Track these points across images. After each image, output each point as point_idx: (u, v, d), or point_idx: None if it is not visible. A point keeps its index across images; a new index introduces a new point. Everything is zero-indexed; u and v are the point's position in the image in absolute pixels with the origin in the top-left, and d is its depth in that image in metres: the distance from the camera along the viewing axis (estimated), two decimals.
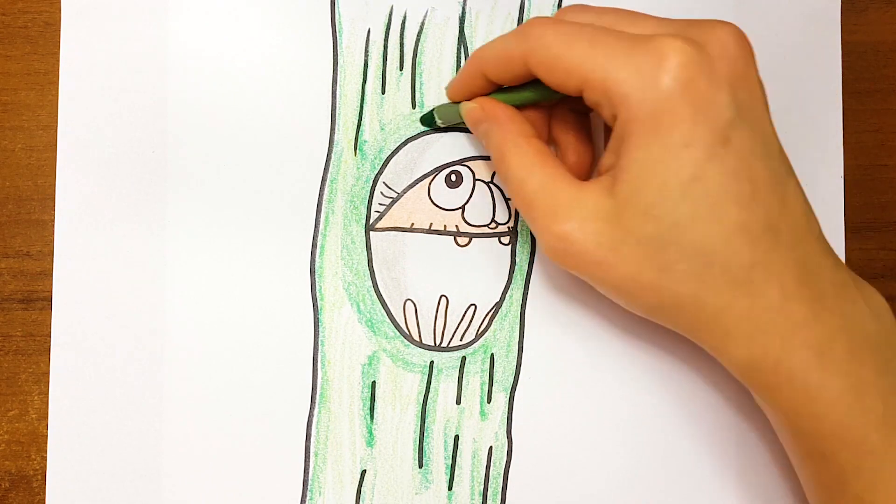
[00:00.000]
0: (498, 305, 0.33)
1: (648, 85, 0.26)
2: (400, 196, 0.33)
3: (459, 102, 0.32)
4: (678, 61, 0.25)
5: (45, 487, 0.32)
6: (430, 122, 0.33)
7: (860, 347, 0.26)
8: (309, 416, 0.33)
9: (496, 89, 0.31)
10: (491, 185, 0.33)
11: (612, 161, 0.28)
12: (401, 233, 0.33)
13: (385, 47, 0.34)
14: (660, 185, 0.26)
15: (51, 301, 0.33)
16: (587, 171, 0.32)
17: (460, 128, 0.34)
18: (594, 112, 0.32)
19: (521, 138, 0.30)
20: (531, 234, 0.33)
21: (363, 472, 0.33)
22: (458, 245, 0.33)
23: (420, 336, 0.33)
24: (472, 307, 0.33)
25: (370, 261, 0.33)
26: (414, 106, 0.34)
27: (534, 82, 0.30)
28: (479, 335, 0.33)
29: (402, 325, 0.33)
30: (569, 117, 0.32)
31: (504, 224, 0.33)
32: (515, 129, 0.30)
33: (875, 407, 0.26)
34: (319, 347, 0.33)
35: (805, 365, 0.26)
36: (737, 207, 0.26)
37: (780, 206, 0.26)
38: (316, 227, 0.33)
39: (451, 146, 0.34)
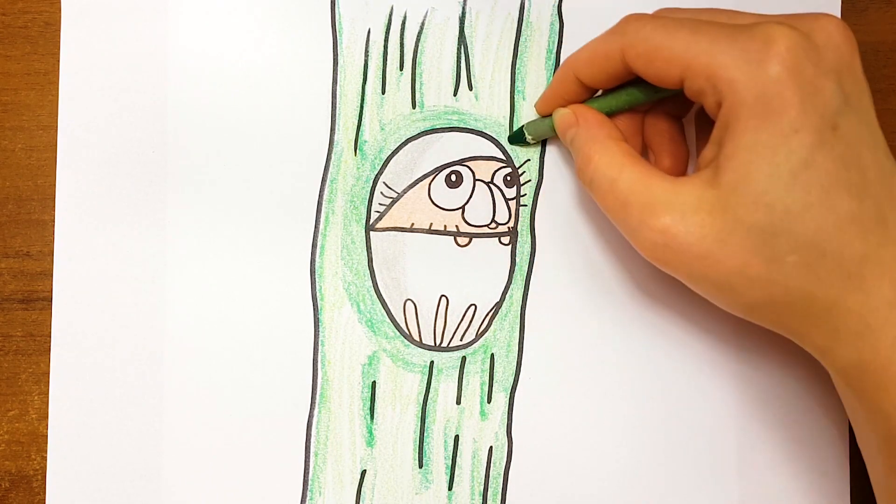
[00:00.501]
0: (498, 305, 0.33)
1: (755, 69, 0.25)
2: (400, 196, 0.33)
3: (550, 115, 0.32)
4: (786, 46, 0.25)
5: (45, 487, 0.32)
6: (519, 140, 0.33)
7: None
8: (309, 416, 0.33)
9: (590, 97, 0.31)
10: (491, 185, 0.33)
11: (713, 152, 0.27)
12: (401, 233, 0.33)
13: (385, 47, 0.34)
14: (770, 170, 0.25)
15: (51, 301, 0.33)
16: (682, 175, 0.32)
17: (461, 128, 0.33)
18: (688, 113, 0.32)
19: (609, 140, 0.29)
20: (531, 234, 0.33)
21: (363, 472, 0.33)
22: (458, 245, 0.33)
23: (420, 336, 0.33)
24: (472, 307, 0.33)
25: (370, 261, 0.33)
26: (414, 106, 0.34)
27: (626, 85, 0.30)
28: (479, 335, 0.33)
29: (402, 325, 0.33)
30: (662, 122, 0.32)
31: (504, 224, 0.33)
32: (604, 132, 0.29)
33: None
34: (319, 347, 0.33)
35: None
36: (848, 196, 0.25)
37: (889, 198, 0.26)
38: (316, 227, 0.33)
39: (451, 146, 0.34)
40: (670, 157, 0.31)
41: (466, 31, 0.34)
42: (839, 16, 0.34)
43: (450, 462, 0.33)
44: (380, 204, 0.33)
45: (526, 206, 0.34)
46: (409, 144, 0.33)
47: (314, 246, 0.33)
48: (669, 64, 0.27)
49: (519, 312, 0.33)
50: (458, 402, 0.33)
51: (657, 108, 0.32)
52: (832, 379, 0.28)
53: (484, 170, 0.34)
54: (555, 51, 0.34)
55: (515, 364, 0.33)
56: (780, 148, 0.25)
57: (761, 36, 0.25)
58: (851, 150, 0.25)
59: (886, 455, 0.26)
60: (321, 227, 0.33)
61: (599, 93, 0.32)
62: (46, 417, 0.33)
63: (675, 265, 0.27)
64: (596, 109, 0.31)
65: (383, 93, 0.34)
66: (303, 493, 0.32)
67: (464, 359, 0.33)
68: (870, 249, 0.25)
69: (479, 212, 0.33)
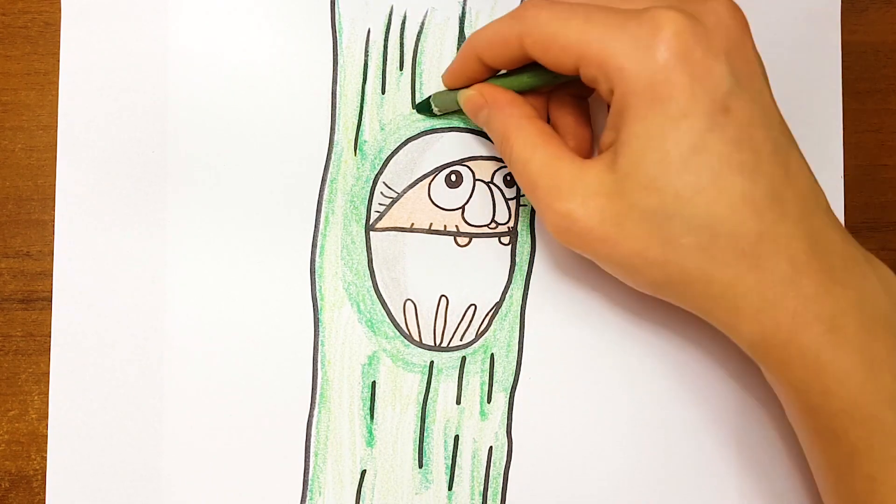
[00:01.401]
0: (498, 305, 0.33)
1: (644, 56, 0.25)
2: (400, 196, 0.33)
3: (457, 90, 0.32)
4: (673, 31, 0.25)
5: (45, 487, 0.32)
6: (426, 110, 0.33)
7: (873, 323, 0.26)
8: (309, 416, 0.33)
9: (493, 75, 0.31)
10: (491, 185, 0.33)
11: (612, 137, 0.27)
12: (401, 233, 0.33)
13: (385, 47, 0.34)
14: (660, 156, 0.26)
15: (51, 301, 0.33)
16: (587, 155, 0.32)
17: (461, 128, 0.33)
18: (593, 93, 0.32)
19: (523, 119, 0.29)
20: (531, 233, 0.33)
21: (363, 472, 0.33)
22: (458, 245, 0.33)
23: (420, 336, 0.33)
24: (472, 307, 0.33)
25: (370, 261, 0.33)
26: (414, 106, 0.34)
27: (531, 66, 0.30)
28: (479, 335, 0.33)
29: (402, 325, 0.33)
30: (567, 102, 0.32)
31: (504, 224, 0.33)
32: (518, 112, 0.30)
33: (888, 384, 0.25)
34: (319, 347, 0.33)
35: (816, 340, 0.25)
36: (740, 177, 0.25)
37: (784, 176, 0.26)
38: (316, 227, 0.33)
39: (451, 146, 0.34)
40: (574, 138, 0.31)
41: (466, 31, 0.34)
42: (839, 16, 0.34)
43: (450, 462, 0.33)
44: (380, 204, 0.33)
45: (526, 206, 0.34)
46: (409, 144, 0.34)
47: (314, 246, 0.33)
48: (564, 52, 0.27)
49: (519, 312, 0.33)
50: (458, 402, 0.33)
51: (562, 89, 0.32)
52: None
53: (484, 170, 0.34)
54: None
55: (515, 364, 0.33)
56: (669, 134, 0.25)
57: (649, 21, 0.26)
58: (744, 131, 0.26)
59: (806, 425, 0.27)
60: (321, 227, 0.33)
61: (503, 71, 0.31)
62: (46, 417, 0.33)
63: (581, 246, 0.28)
64: (503, 88, 0.31)
65: (383, 93, 0.34)
66: (303, 493, 0.32)
67: (464, 359, 0.33)
68: (765, 227, 0.26)
69: (479, 212, 0.33)
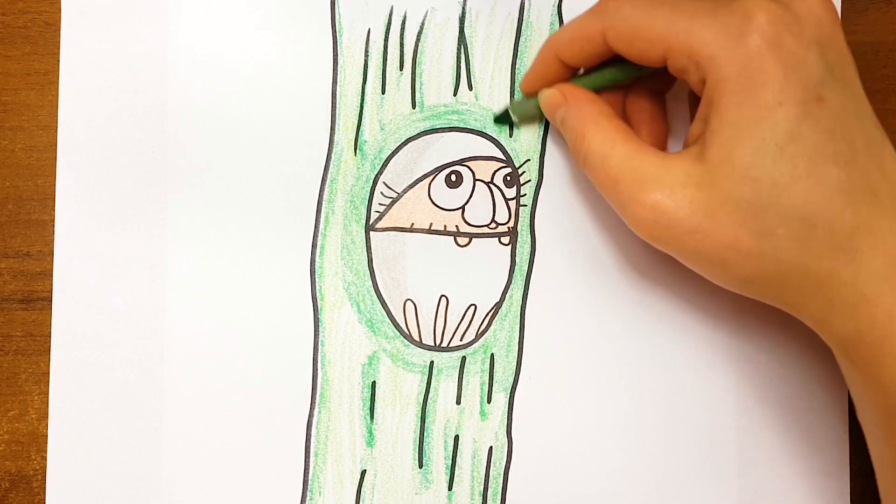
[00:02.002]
0: (498, 305, 0.33)
1: (736, 44, 0.25)
2: (400, 196, 0.33)
3: (533, 97, 0.32)
4: (766, 19, 0.25)
5: (45, 487, 0.32)
6: (505, 121, 0.33)
7: None
8: (309, 416, 0.33)
9: (571, 76, 0.31)
10: (491, 185, 0.33)
11: (700, 129, 0.27)
12: (401, 233, 0.33)
13: (385, 47, 0.34)
14: (756, 144, 0.25)
15: (51, 301, 0.33)
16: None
17: (461, 128, 0.33)
18: (670, 89, 0.32)
19: (601, 116, 0.29)
20: (531, 234, 0.33)
21: (363, 472, 0.33)
22: (458, 245, 0.33)
23: (420, 336, 0.33)
24: (472, 307, 0.33)
25: (370, 261, 0.33)
26: (414, 106, 0.34)
27: (609, 63, 0.30)
28: (479, 335, 0.33)
29: (402, 326, 0.33)
30: (643, 99, 0.32)
31: (504, 224, 0.33)
32: (595, 109, 0.29)
33: None
34: (319, 347, 0.33)
35: None
36: (836, 168, 0.25)
37: (878, 170, 0.26)
38: (316, 227, 0.33)
39: (451, 146, 0.34)
40: (650, 134, 0.31)
41: (466, 31, 0.34)
42: (839, 15, 0.34)
43: (450, 462, 0.33)
44: (380, 204, 0.33)
45: (526, 206, 0.34)
46: (409, 144, 0.33)
47: (314, 246, 0.33)
48: (650, 44, 0.27)
49: (519, 312, 0.33)
50: (458, 402, 0.33)
51: (639, 85, 0.32)
52: (833, 351, 0.28)
53: (484, 170, 0.34)
54: None
55: (515, 364, 0.33)
56: (764, 121, 0.25)
57: (740, 10, 0.25)
58: (838, 121, 0.25)
59: (884, 427, 0.26)
60: (321, 227, 0.33)
61: (581, 71, 0.32)
62: (46, 417, 0.33)
63: (667, 240, 0.27)
64: (583, 87, 0.31)
65: (383, 93, 0.34)
66: (303, 493, 0.32)
67: (464, 359, 0.33)
68: (861, 220, 0.25)
69: (479, 212, 0.33)
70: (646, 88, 0.32)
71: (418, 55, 0.34)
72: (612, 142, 0.28)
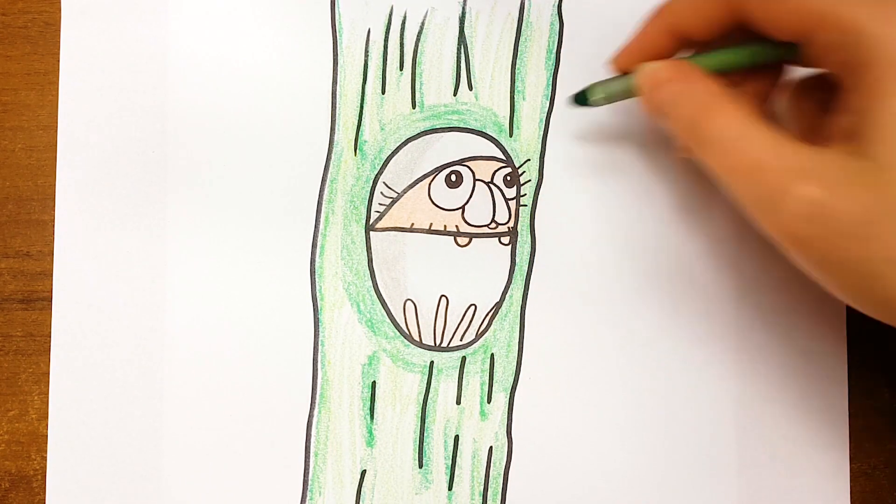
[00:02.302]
0: (498, 305, 0.33)
1: None
2: (400, 196, 0.33)
3: (626, 74, 0.28)
4: None
5: (45, 487, 0.32)
6: (582, 102, 0.30)
7: None
8: (309, 416, 0.33)
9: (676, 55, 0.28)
10: (491, 185, 0.33)
11: (850, 121, 0.24)
12: (401, 233, 0.33)
13: (385, 47, 0.34)
14: None
15: (51, 301, 0.33)
16: None
17: (461, 128, 0.33)
18: (786, 77, 0.28)
19: (724, 96, 0.25)
20: (531, 234, 0.33)
21: (363, 472, 0.33)
22: (458, 245, 0.33)
23: (420, 336, 0.33)
24: (472, 307, 0.33)
25: (370, 261, 0.33)
26: (414, 106, 0.34)
27: (719, 49, 0.27)
28: (479, 335, 0.33)
29: (402, 326, 0.33)
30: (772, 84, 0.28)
31: (504, 224, 0.33)
32: (716, 88, 0.25)
33: None
34: (319, 347, 0.33)
35: None
36: None
37: None
38: (316, 227, 0.33)
39: (451, 146, 0.34)
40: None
41: (466, 31, 0.34)
42: None
43: (450, 462, 0.33)
44: (380, 204, 0.33)
45: (526, 206, 0.34)
46: (409, 144, 0.33)
47: (314, 246, 0.33)
48: (795, 16, 0.23)
49: (519, 312, 0.33)
50: (458, 402, 0.33)
51: (737, 86, 0.28)
52: None
53: (484, 170, 0.34)
54: (555, 51, 0.34)
55: (515, 364, 0.33)
56: None
57: None
58: None
59: None
60: (321, 227, 0.33)
61: (678, 56, 0.28)
62: (46, 417, 0.33)
63: (819, 244, 0.23)
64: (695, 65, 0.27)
65: (383, 93, 0.34)
66: (303, 493, 0.32)
67: (464, 359, 0.33)
68: None
69: (479, 212, 0.33)
70: (742, 91, 0.28)
71: (418, 55, 0.34)
72: (745, 123, 0.24)
